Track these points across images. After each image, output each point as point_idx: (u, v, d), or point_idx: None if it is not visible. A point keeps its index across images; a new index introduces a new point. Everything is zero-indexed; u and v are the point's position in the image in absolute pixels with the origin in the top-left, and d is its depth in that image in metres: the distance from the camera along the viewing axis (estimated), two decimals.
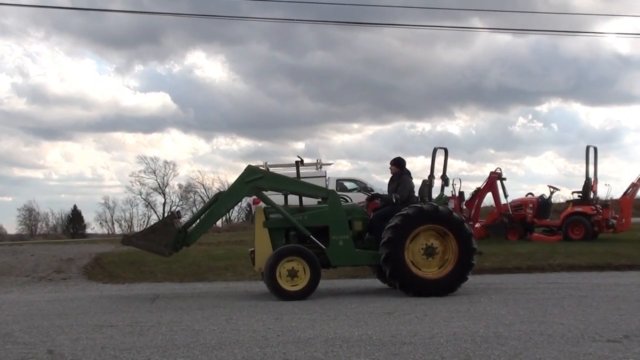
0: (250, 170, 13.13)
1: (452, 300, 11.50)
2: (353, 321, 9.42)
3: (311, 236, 12.52)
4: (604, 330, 8.39)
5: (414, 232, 12.15)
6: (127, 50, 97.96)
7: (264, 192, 13.04)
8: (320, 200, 13.40)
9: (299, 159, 13.57)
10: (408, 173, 13.31)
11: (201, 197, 75.60)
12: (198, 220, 13.52)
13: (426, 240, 12.23)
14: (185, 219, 15.64)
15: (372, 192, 13.64)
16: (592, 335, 8.11)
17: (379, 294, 12.51)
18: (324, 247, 12.48)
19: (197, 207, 75.68)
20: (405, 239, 12.10)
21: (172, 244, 12.84)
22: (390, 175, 13.40)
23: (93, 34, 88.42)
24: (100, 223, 75.84)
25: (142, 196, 75.41)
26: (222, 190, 13.50)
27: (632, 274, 15.52)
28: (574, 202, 23.06)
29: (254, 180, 12.92)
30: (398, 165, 13.33)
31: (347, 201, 13.40)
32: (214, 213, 13.39)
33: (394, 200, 12.75)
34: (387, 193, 13.46)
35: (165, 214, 74.21)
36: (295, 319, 9.77)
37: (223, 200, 13.23)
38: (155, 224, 14.04)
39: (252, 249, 12.93)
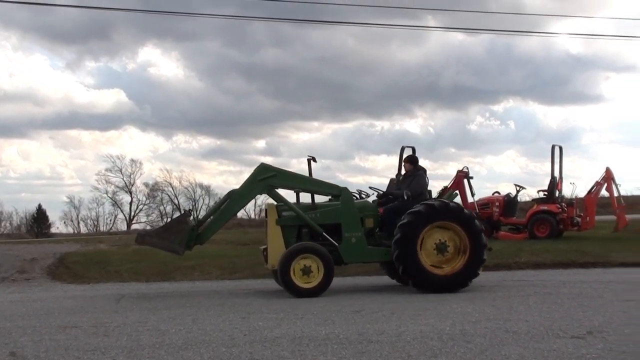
0: (262, 168, 13.12)
1: (420, 298, 11.55)
2: (320, 320, 9.41)
3: (324, 233, 12.59)
4: (568, 326, 8.48)
5: (426, 229, 12.26)
6: (77, 45, 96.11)
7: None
8: (331, 197, 13.42)
9: (311, 157, 13.57)
10: (424, 170, 13.47)
11: (168, 196, 75.05)
12: (210, 218, 13.50)
13: (438, 237, 12.35)
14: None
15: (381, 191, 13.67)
16: (556, 331, 8.18)
17: (347, 292, 12.52)
18: (336, 244, 12.56)
19: (164, 206, 75.40)
20: (417, 236, 12.20)
21: (185, 242, 12.80)
22: (404, 171, 13.64)
23: (41, 29, 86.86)
24: (65, 222, 74.99)
25: (109, 195, 74.53)
26: (234, 188, 13.33)
27: (596, 271, 15.70)
28: (539, 201, 23.29)
29: (267, 178, 12.93)
30: (412, 162, 13.50)
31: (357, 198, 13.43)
32: (227, 211, 13.35)
33: (405, 197, 12.82)
34: (399, 189, 13.53)
35: (132, 214, 74.27)
36: (262, 318, 9.74)
37: (236, 198, 13.19)
38: (168, 222, 13.96)
39: (265, 246, 12.98)
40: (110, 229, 67.09)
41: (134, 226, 69.48)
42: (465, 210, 12.69)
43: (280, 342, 7.98)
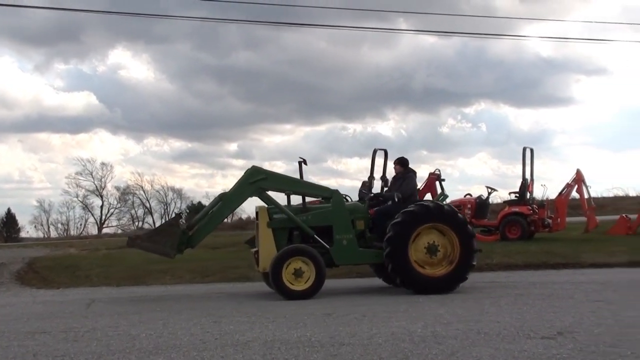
0: (254, 171, 13.15)
1: (391, 300, 11.57)
2: (292, 323, 9.38)
3: (315, 236, 12.61)
4: (539, 327, 8.53)
5: (418, 230, 12.34)
6: (46, 47, 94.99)
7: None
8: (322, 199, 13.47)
9: (302, 160, 13.56)
10: (414, 172, 13.55)
11: (140, 200, 74.60)
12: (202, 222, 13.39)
13: (429, 238, 12.42)
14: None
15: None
16: (527, 332, 8.22)
17: (318, 296, 12.49)
18: (328, 246, 12.59)
19: (136, 210, 74.93)
20: (409, 235, 12.29)
21: (177, 245, 12.76)
22: (394, 174, 13.64)
23: (9, 31, 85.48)
24: (35, 226, 74.24)
25: (79, 199, 73.90)
26: (224, 191, 13.29)
27: (566, 272, 15.80)
28: (510, 203, 23.41)
29: (258, 181, 12.97)
30: (402, 164, 13.55)
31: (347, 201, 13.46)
32: (218, 214, 13.36)
33: (396, 199, 12.85)
34: (389, 192, 13.56)
35: (103, 217, 73.71)
36: (233, 321, 9.71)
37: (227, 201, 13.21)
38: (160, 225, 13.86)
39: (256, 249, 12.95)
40: (81, 233, 66.52)
41: (105, 230, 68.94)
42: (459, 214, 12.77)
43: (252, 345, 7.95)
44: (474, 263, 12.56)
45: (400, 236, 12.20)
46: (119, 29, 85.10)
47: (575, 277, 14.61)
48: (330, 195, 13.15)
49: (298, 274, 12.13)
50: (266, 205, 13.04)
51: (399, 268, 12.25)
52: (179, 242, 12.81)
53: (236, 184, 13.28)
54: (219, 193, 13.50)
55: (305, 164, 13.54)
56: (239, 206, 13.68)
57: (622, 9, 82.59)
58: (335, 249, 12.64)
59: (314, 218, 12.85)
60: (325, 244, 12.62)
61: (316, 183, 13.59)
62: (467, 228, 12.56)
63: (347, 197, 13.67)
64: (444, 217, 12.44)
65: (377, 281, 14.22)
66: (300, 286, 12.12)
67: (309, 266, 12.16)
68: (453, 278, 12.37)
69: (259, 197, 13.17)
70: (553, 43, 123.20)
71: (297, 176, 13.47)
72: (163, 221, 69.99)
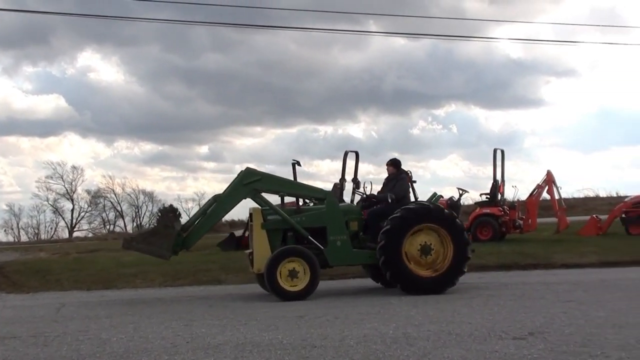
0: (248, 172, 13.13)
1: (364, 302, 11.58)
2: (264, 326, 9.36)
3: (310, 237, 12.63)
4: (510, 328, 8.57)
5: (409, 233, 12.40)
6: (14, 50, 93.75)
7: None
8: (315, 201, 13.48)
9: (296, 161, 13.55)
10: (406, 174, 13.64)
11: (111, 203, 74.03)
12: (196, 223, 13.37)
13: (422, 239, 12.50)
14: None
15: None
16: (498, 333, 8.26)
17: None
18: (322, 247, 12.62)
19: (107, 213, 74.34)
20: (401, 241, 12.36)
21: (172, 247, 12.74)
22: (387, 175, 13.68)
23: None
24: (6, 230, 73.39)
25: (50, 202, 73.19)
26: (218, 193, 13.24)
27: (537, 272, 15.93)
28: (482, 204, 23.54)
29: (252, 182, 12.96)
30: (395, 166, 13.62)
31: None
32: (213, 216, 13.31)
33: (389, 200, 12.88)
34: (382, 193, 13.59)
35: (74, 221, 73.00)
36: (205, 324, 9.66)
37: (221, 202, 13.17)
38: (155, 226, 13.74)
39: (250, 250, 12.92)
40: (52, 237, 65.80)
41: (76, 234, 68.28)
42: (446, 212, 12.85)
43: (223, 348, 7.91)
44: (469, 256, 12.68)
45: (392, 243, 12.29)
46: (88, 32, 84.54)
47: (547, 277, 14.74)
48: (324, 197, 13.24)
49: (293, 274, 12.19)
50: (260, 207, 13.03)
51: (397, 274, 12.35)
52: (174, 244, 12.80)
53: (230, 185, 13.28)
54: (213, 194, 13.51)
55: (299, 165, 13.61)
56: (233, 208, 13.67)
57: (590, 10, 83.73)
58: (330, 250, 12.69)
59: (308, 219, 12.89)
60: (319, 245, 12.67)
61: (310, 185, 13.60)
62: (457, 224, 12.66)
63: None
64: (432, 217, 12.54)
65: (354, 282, 14.27)
66: (295, 287, 12.18)
67: (304, 267, 12.23)
68: (451, 274, 12.49)
69: (252, 198, 13.21)
70: (523, 45, 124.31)
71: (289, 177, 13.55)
72: (134, 225, 70.03)
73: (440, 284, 12.39)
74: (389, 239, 12.30)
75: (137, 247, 13.11)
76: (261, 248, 12.58)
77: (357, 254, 12.89)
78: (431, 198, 13.63)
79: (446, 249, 12.54)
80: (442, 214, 12.66)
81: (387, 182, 13.66)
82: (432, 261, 12.53)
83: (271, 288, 12.26)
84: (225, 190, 13.26)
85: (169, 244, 12.72)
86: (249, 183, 12.98)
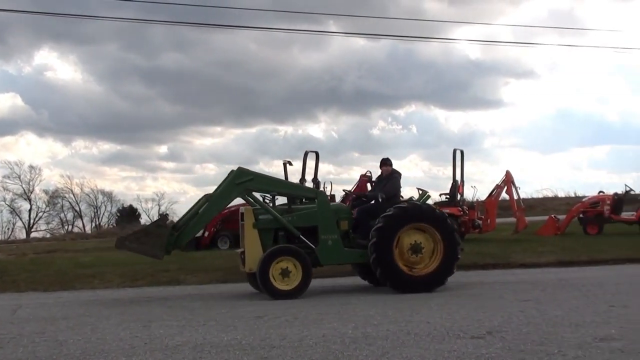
0: (239, 172, 13.09)
1: (323, 302, 11.60)
2: (222, 326, 9.33)
3: (301, 236, 12.66)
4: (469, 327, 8.65)
5: (399, 232, 12.46)
6: None
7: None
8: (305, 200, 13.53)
9: (287, 161, 13.53)
10: (399, 174, 13.71)
11: (70, 203, 73.15)
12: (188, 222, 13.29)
13: (413, 238, 12.56)
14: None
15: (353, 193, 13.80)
16: (457, 332, 8.33)
17: (250, 298, 12.44)
18: (313, 246, 12.65)
19: (65, 213, 73.46)
20: (392, 240, 12.41)
21: (165, 246, 12.68)
22: (379, 174, 13.82)
23: None
24: None
25: (7, 202, 72.11)
26: (210, 192, 13.16)
27: (496, 272, 16.06)
28: (441, 204, 23.63)
29: (244, 182, 12.93)
30: (391, 165, 13.72)
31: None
32: (205, 215, 13.27)
33: (380, 199, 12.97)
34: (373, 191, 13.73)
35: (32, 221, 72.10)
36: (163, 325, 9.59)
37: (214, 202, 13.12)
38: (147, 226, 13.61)
39: (242, 250, 12.91)
40: (9, 237, 64.85)
41: (34, 234, 67.38)
42: (437, 211, 12.98)
43: (182, 349, 7.87)
44: (459, 256, 12.85)
45: (383, 241, 12.37)
46: (45, 30, 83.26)
47: (505, 277, 14.87)
48: (315, 196, 13.34)
49: (285, 273, 12.22)
50: (251, 207, 13.03)
51: (387, 273, 12.41)
52: (167, 243, 12.76)
53: (222, 184, 13.27)
54: (204, 194, 13.46)
55: (291, 164, 13.64)
56: (225, 207, 13.62)
57: (548, 12, 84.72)
58: (321, 249, 12.73)
59: (299, 218, 12.93)
60: (310, 244, 12.70)
61: (301, 184, 13.62)
62: (448, 223, 12.80)
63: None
64: (422, 216, 12.69)
65: (319, 282, 14.26)
66: (287, 286, 12.21)
67: (296, 266, 12.27)
68: (441, 273, 12.61)
69: (243, 198, 13.25)
70: (482, 46, 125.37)
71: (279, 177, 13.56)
72: (93, 225, 69.30)
73: (429, 283, 12.48)
74: (380, 236, 12.38)
75: (130, 247, 13.05)
76: (253, 247, 12.60)
77: (348, 253, 12.96)
78: (420, 197, 13.74)
79: (436, 248, 12.66)
80: (433, 213, 12.81)
81: (378, 182, 13.86)
82: (422, 260, 12.63)
83: (264, 287, 12.28)
84: (216, 190, 13.27)
85: (161, 244, 12.69)
86: (241, 183, 12.97)
